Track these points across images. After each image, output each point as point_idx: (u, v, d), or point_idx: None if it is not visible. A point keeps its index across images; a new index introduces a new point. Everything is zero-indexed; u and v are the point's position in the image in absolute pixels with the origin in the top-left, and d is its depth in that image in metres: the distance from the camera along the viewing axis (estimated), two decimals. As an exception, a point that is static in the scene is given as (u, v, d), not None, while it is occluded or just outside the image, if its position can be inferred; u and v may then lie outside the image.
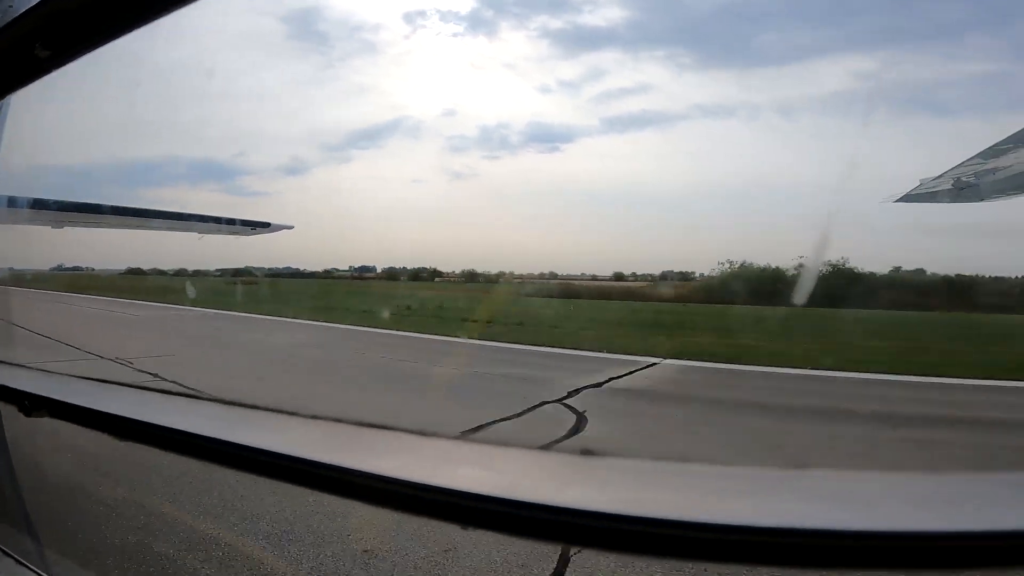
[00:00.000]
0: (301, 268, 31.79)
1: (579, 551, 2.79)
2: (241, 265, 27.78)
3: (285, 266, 31.13)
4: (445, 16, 37.81)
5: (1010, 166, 4.59)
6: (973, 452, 4.70)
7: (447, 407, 6.09)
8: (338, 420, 0.62)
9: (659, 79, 31.56)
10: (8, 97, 1.56)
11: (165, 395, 0.85)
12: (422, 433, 0.54)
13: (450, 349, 10.79)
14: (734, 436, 5.27)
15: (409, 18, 42.73)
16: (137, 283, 27.52)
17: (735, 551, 0.34)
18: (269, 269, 29.97)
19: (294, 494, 3.27)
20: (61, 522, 3.03)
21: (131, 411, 0.89)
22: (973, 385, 7.35)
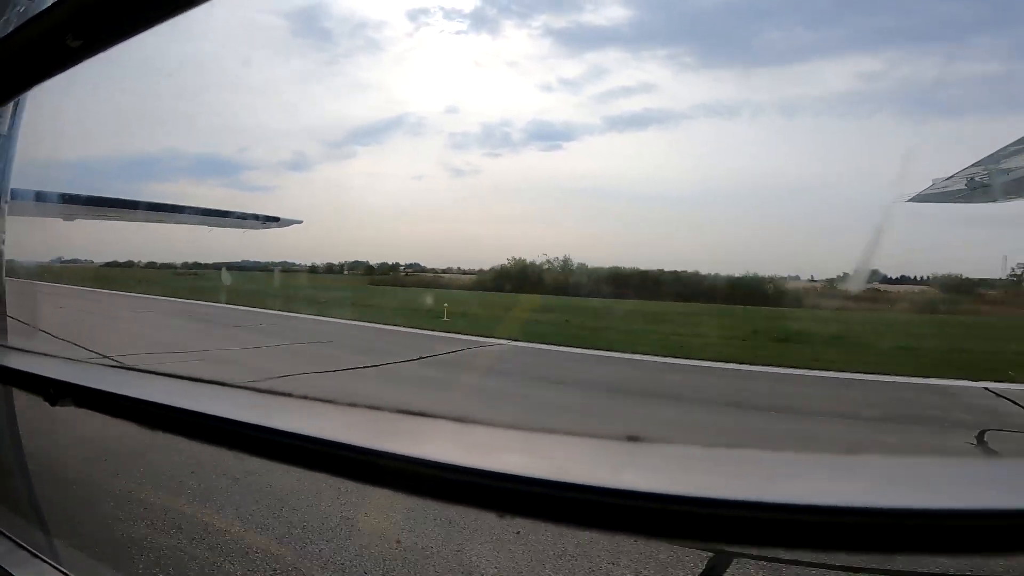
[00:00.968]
0: (299, 263, 32.06)
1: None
2: (237, 259, 28.10)
3: (282, 260, 31.44)
4: (449, 14, 37.87)
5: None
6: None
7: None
8: (375, 408, 0.62)
9: (661, 78, 31.48)
10: (27, 92, 1.58)
11: (194, 382, 0.86)
12: (463, 420, 0.54)
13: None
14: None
15: (413, 16, 42.79)
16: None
17: (798, 532, 0.34)
18: (266, 263, 30.38)
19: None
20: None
21: (158, 397, 0.89)
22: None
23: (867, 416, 6.44)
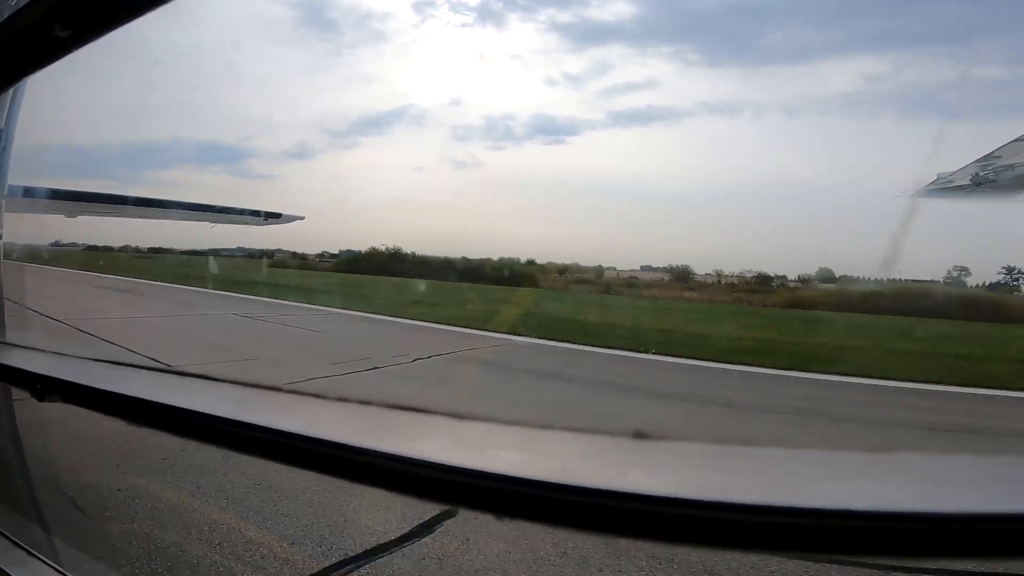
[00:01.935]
0: (297, 251, 32.06)
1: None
2: (234, 246, 28.18)
3: (276, 248, 31.53)
4: (455, 6, 37.83)
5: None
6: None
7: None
8: (366, 403, 0.59)
9: (665, 75, 31.44)
10: (24, 80, 1.55)
11: (182, 377, 0.83)
12: (459, 416, 0.52)
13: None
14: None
15: (418, 8, 42.68)
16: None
17: (811, 536, 0.32)
18: (261, 251, 30.47)
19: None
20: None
21: (146, 393, 0.87)
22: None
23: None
